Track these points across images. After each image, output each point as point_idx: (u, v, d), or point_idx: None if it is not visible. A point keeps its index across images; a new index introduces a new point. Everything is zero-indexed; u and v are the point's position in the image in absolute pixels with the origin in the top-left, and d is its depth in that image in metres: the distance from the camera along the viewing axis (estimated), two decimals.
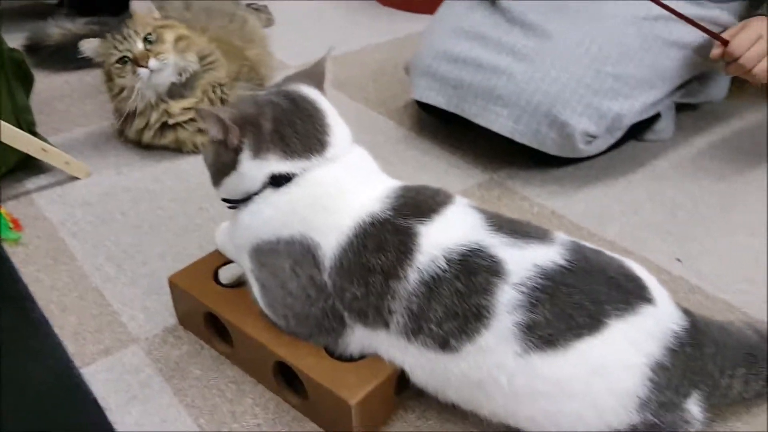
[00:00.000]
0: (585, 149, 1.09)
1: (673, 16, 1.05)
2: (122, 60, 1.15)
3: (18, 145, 1.07)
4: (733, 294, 0.91)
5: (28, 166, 1.16)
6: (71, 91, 1.46)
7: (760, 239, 1.01)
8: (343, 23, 1.87)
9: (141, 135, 1.22)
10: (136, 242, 1.03)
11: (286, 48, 1.68)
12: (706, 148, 1.24)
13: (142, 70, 1.13)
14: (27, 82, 1.14)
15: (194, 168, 1.22)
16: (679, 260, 0.97)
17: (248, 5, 1.77)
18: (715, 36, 1.06)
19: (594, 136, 1.08)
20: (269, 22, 1.83)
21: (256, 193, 0.72)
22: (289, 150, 0.70)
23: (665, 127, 1.23)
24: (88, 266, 0.98)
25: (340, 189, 0.71)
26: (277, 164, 0.70)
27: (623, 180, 1.16)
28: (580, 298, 0.63)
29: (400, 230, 0.68)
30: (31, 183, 1.16)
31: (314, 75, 0.77)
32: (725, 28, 1.10)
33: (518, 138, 1.10)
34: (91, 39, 1.16)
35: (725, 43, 1.04)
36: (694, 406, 0.67)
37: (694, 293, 0.92)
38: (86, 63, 1.54)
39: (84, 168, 1.17)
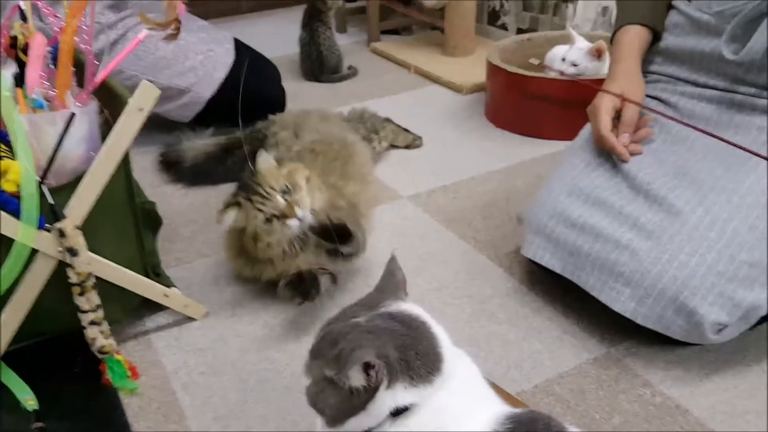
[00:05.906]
0: (714, 338, 1.01)
1: None
2: (268, 219, 1.16)
3: (142, 292, 1.12)
4: None
5: (148, 303, 1.21)
6: (197, 215, 1.54)
7: None
8: (455, 147, 1.87)
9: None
10: (241, 399, 1.04)
11: (395, 178, 1.71)
12: None
13: (292, 222, 1.16)
14: (155, 226, 1.21)
15: (299, 310, 1.22)
16: None
17: (398, 126, 1.85)
18: None
19: (725, 325, 1.00)
20: (415, 143, 1.87)
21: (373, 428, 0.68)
22: (416, 376, 0.67)
23: None
24: (195, 426, 1.00)
25: (456, 421, 0.68)
26: (403, 394, 0.67)
27: (755, 370, 1.05)
28: None
29: None
30: (151, 321, 1.21)
31: (397, 285, 0.75)
32: None
33: (640, 321, 1.03)
34: (228, 211, 1.18)
35: None
36: None
37: None
38: (219, 180, 1.65)
39: (201, 310, 1.21)
